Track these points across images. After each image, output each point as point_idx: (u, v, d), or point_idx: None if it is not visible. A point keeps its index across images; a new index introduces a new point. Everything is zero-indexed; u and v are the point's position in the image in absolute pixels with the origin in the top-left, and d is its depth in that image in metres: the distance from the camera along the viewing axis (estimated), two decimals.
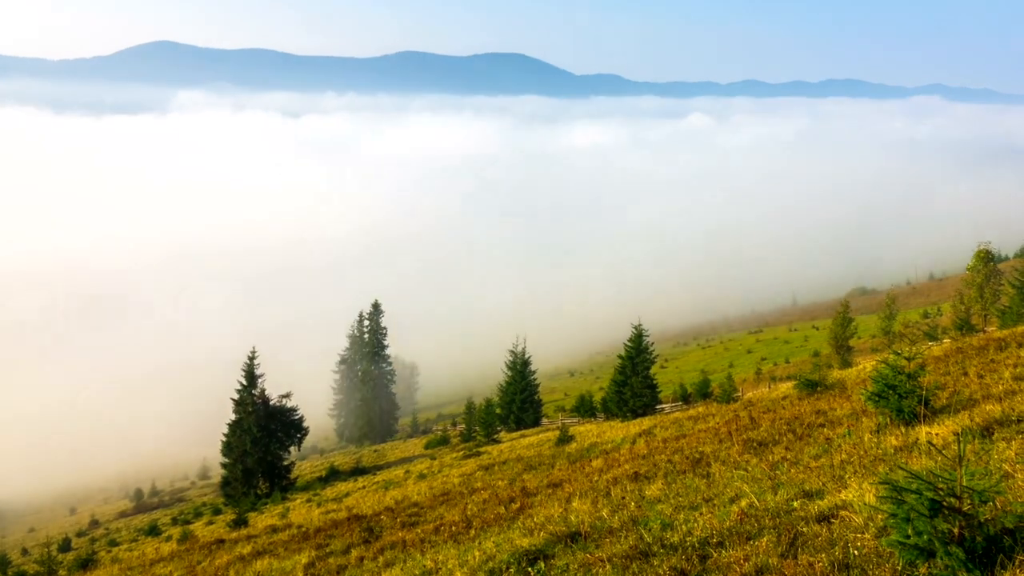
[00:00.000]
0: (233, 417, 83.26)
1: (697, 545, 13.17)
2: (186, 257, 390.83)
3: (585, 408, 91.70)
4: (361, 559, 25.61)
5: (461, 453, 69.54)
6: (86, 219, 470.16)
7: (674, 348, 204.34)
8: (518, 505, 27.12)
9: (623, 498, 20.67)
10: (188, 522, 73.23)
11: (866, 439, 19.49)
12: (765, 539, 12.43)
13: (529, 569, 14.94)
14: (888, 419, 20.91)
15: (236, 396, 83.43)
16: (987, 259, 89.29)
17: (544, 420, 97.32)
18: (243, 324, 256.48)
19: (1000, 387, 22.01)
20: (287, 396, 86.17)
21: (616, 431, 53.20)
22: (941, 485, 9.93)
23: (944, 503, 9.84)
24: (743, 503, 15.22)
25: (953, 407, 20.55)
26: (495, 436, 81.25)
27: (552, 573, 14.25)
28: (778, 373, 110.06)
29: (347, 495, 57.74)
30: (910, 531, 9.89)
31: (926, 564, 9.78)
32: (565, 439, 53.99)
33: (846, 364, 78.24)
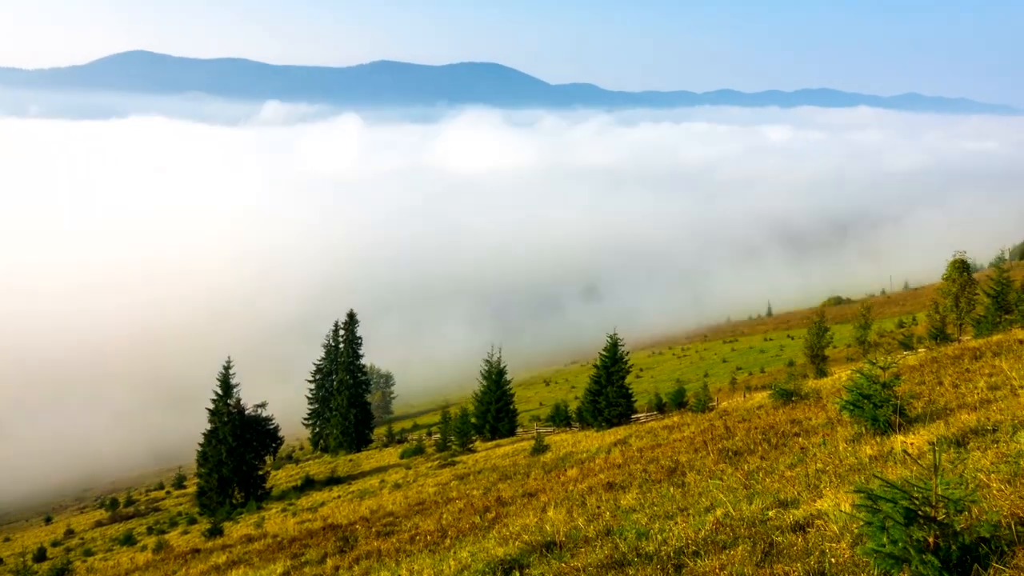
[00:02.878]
0: (208, 427, 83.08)
1: (672, 554, 13.14)
2: (161, 263, 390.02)
3: (560, 417, 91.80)
4: (336, 568, 25.58)
5: (436, 463, 69.50)
6: (69, 223, 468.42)
7: (649, 357, 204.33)
8: (493, 514, 27.12)
9: (598, 507, 20.67)
10: (163, 532, 72.90)
11: (841, 448, 19.52)
12: (740, 548, 12.42)
13: None
14: (863, 428, 20.94)
15: (211, 406, 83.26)
16: (962, 268, 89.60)
17: (519, 430, 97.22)
18: (219, 332, 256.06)
19: (975, 396, 22.07)
20: (262, 406, 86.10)
21: (591, 440, 53.23)
22: (916, 494, 9.93)
23: (919, 512, 9.84)
24: (718, 512, 15.22)
25: (928, 416, 20.59)
26: (470, 445, 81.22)
27: None
28: (753, 383, 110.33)
29: (322, 504, 57.65)
30: (885, 540, 9.88)
31: (901, 573, 9.77)
32: (540, 448, 53.98)
33: (821, 374, 78.30)
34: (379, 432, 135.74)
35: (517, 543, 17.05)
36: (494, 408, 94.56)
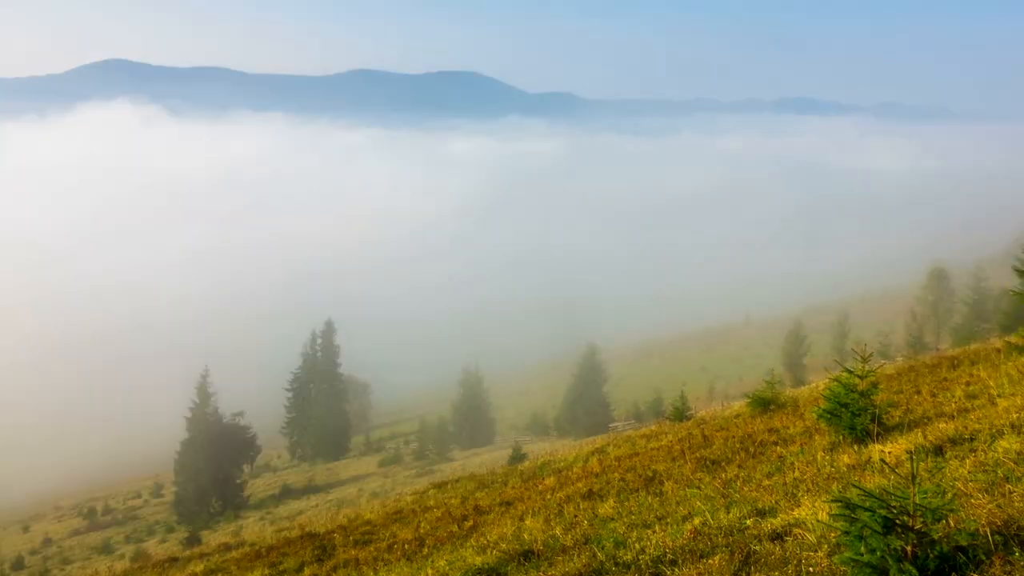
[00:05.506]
0: (186, 435, 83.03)
1: (650, 563, 13.12)
2: (143, 271, 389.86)
3: (538, 426, 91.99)
4: None
5: (414, 471, 69.63)
6: (55, 234, 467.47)
7: (628, 366, 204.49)
8: (471, 523, 27.04)
9: (576, 516, 20.61)
10: (141, 540, 72.92)
11: (819, 457, 19.49)
12: (718, 557, 12.40)
13: None
14: (841, 437, 20.93)
15: (189, 414, 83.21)
16: (940, 277, 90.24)
17: (497, 438, 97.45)
18: (198, 337, 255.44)
19: (953, 405, 22.05)
20: (240, 415, 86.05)
21: (569, 449, 53.24)
22: (894, 503, 9.93)
23: (897, 521, 9.84)
24: (696, 521, 15.19)
25: (906, 425, 20.60)
26: (448, 454, 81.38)
27: None
28: (731, 391, 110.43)
29: (300, 513, 57.67)
30: (863, 549, 9.88)
31: None
32: (518, 457, 54.07)
33: (799, 382, 78.62)
34: (357, 441, 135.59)
35: (495, 552, 17.01)
36: (472, 417, 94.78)
